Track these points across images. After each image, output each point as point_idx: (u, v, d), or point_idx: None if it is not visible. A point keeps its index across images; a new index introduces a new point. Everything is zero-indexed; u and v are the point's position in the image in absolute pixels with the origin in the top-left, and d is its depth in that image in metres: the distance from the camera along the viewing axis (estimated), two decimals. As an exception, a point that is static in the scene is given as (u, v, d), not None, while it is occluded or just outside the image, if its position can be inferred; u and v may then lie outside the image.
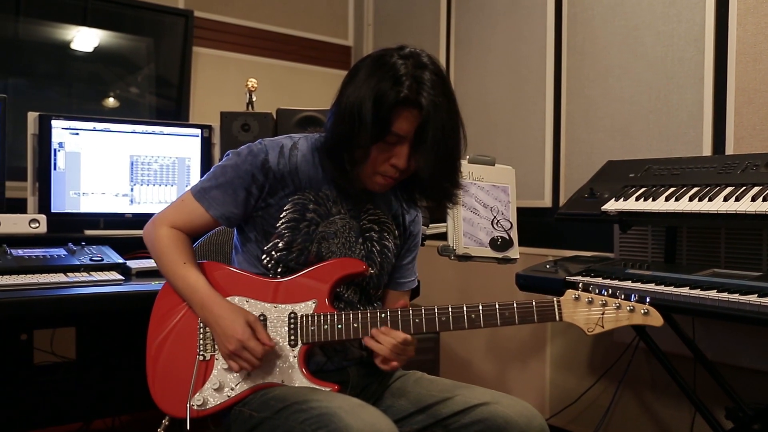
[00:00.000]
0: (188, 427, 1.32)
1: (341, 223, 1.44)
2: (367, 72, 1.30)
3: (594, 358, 2.58)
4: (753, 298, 1.56)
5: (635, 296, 1.31)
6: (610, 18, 2.51)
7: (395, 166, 1.32)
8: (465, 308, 1.33)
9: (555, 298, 1.33)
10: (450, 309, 1.33)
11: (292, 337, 1.36)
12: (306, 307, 1.37)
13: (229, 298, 1.39)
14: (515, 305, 1.31)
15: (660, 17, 2.35)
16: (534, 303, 1.32)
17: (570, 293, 1.32)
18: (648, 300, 1.31)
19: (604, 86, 2.53)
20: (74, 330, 2.41)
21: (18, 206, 2.33)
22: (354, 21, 3.77)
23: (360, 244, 1.46)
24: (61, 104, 3.01)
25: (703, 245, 2.12)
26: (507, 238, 2.23)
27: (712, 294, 1.62)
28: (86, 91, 3.11)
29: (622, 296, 1.31)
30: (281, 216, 1.40)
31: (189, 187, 1.45)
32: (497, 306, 1.32)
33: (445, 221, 2.20)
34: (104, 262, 2.06)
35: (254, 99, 2.72)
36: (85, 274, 1.97)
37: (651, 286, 1.76)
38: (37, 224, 2.23)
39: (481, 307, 1.32)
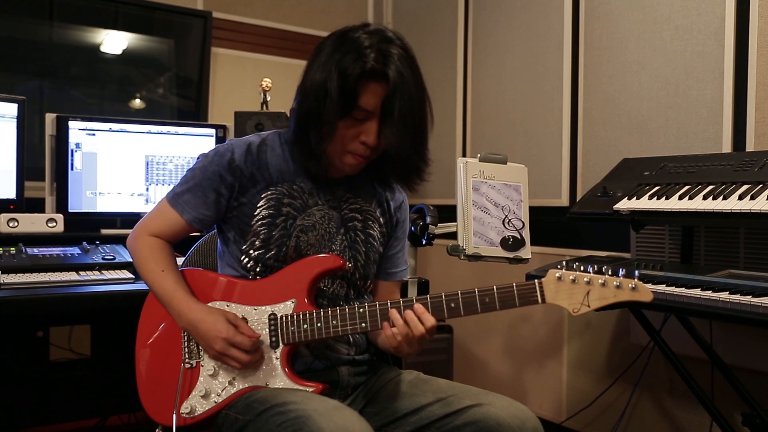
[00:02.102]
0: None
1: (319, 215, 1.43)
2: (331, 48, 1.30)
3: (611, 360, 2.52)
4: (766, 300, 1.49)
5: (623, 271, 1.23)
6: (628, 12, 2.45)
7: (365, 143, 1.31)
8: (444, 297, 1.28)
9: (537, 280, 1.25)
10: (429, 299, 1.28)
11: (273, 339, 1.35)
12: (285, 308, 1.36)
13: (210, 304, 1.39)
14: (495, 290, 1.25)
15: (679, 10, 2.28)
16: (515, 286, 1.25)
17: (552, 273, 1.24)
18: (637, 274, 1.23)
19: (622, 82, 2.47)
20: (89, 327, 2.46)
21: (37, 206, 2.38)
22: (373, 19, 3.76)
23: (341, 235, 1.45)
24: (91, 106, 3.09)
25: (722, 245, 2.05)
26: (519, 237, 2.18)
27: (723, 296, 1.56)
28: (114, 93, 3.18)
29: (609, 272, 1.23)
30: (255, 213, 1.39)
31: (165, 194, 1.46)
32: (477, 292, 1.26)
33: (454, 220, 2.18)
34: (116, 261, 2.09)
35: (269, 99, 2.73)
36: (96, 272, 2.01)
37: (662, 287, 1.70)
38: (54, 223, 2.28)
39: (460, 295, 1.27)
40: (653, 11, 2.37)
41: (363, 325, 1.32)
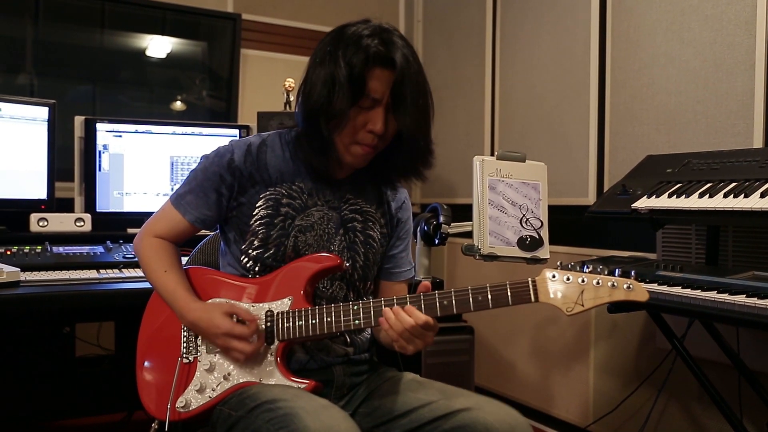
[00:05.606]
0: (167, 429, 1.34)
1: (318, 215, 1.43)
2: (333, 44, 1.31)
3: (639, 363, 2.44)
4: (785, 305, 1.41)
5: (619, 271, 1.21)
6: (656, 2, 2.36)
7: (372, 131, 1.31)
8: (437, 295, 1.27)
9: (530, 278, 1.23)
10: (422, 297, 1.27)
11: (269, 335, 1.36)
12: (282, 305, 1.37)
13: (210, 301, 1.41)
14: (488, 288, 1.24)
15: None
16: (508, 285, 1.23)
17: (546, 272, 1.23)
18: (633, 274, 1.21)
19: (650, 76, 2.38)
20: (113, 324, 2.53)
21: (67, 206, 2.47)
22: (405, 18, 3.74)
23: (340, 236, 1.44)
24: (139, 109, 3.19)
25: (750, 246, 1.95)
26: (537, 237, 2.13)
27: (739, 299, 1.49)
28: (158, 96, 3.28)
29: (605, 272, 1.21)
30: (254, 213, 1.40)
31: (170, 196, 1.49)
32: (470, 290, 1.25)
33: (470, 220, 2.14)
34: (137, 259, 2.14)
35: (292, 99, 2.75)
36: (116, 271, 2.06)
37: (677, 290, 1.63)
38: (82, 223, 2.36)
39: (453, 293, 1.26)
40: (681, 1, 2.27)
41: (356, 322, 1.31)
